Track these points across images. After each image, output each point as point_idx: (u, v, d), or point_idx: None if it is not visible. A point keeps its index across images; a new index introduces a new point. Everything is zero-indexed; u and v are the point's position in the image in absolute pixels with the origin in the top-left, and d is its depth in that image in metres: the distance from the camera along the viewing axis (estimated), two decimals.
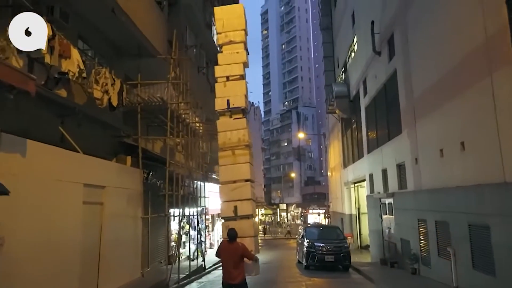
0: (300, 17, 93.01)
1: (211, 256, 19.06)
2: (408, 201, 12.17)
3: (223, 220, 8.17)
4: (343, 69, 25.41)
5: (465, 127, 8.24)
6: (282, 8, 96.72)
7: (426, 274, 10.84)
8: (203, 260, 14.82)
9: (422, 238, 11.09)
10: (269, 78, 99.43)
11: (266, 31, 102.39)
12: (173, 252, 14.97)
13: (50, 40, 6.56)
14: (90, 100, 8.85)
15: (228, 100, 8.40)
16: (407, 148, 12.07)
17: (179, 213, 12.22)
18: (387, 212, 14.82)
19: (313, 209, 55.84)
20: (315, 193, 65.12)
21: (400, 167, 13.24)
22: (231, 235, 6.16)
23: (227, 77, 8.58)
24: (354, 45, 21.09)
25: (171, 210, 12.96)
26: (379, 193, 15.74)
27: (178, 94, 11.55)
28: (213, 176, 21.06)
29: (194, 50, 16.07)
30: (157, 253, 13.38)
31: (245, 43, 8.87)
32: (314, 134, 71.23)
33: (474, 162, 7.93)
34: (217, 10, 9.27)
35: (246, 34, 9.05)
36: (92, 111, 8.97)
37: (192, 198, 13.66)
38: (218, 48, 9.23)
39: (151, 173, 12.15)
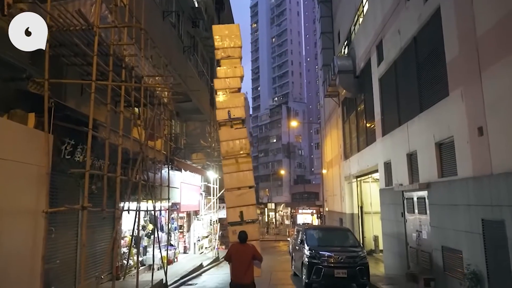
0: (291, 9, 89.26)
1: (182, 265, 15.01)
2: (459, 193, 8.32)
3: (229, 224, 8.61)
4: (345, 42, 21.60)
5: None
6: (273, 0, 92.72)
7: None
8: (165, 272, 10.74)
9: (490, 248, 7.23)
10: (258, 73, 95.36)
11: (255, 24, 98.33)
12: (123, 262, 10.94)
13: None
14: None
15: (229, 111, 8.96)
16: (460, 116, 8.23)
17: (119, 206, 8.19)
18: (416, 209, 10.98)
19: (303, 209, 52.13)
20: (305, 192, 61.47)
21: (442, 146, 9.40)
22: (242, 238, 6.57)
23: (226, 90, 9.29)
24: (363, 7, 17.28)
25: (122, 204, 8.95)
26: (401, 185, 11.90)
27: (117, 23, 7.47)
28: (188, 162, 17.01)
29: None
30: (93, 264, 9.30)
31: (241, 58, 9.77)
32: (306, 122, 67.42)
33: None
34: (215, 28, 10.26)
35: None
36: None
37: (149, 187, 9.61)
38: (216, 62, 9.91)
39: (81, 147, 8.04)
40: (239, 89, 9.45)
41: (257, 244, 7.64)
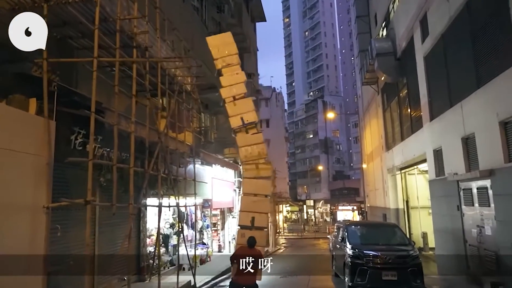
0: (323, 1, 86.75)
1: (215, 265, 14.24)
2: None
3: (239, 227, 9.04)
4: (383, 24, 20.00)
5: None
6: None
7: None
8: (193, 274, 9.95)
9: None
10: (292, 68, 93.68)
11: (288, 19, 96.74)
12: (149, 262, 10.26)
13: None
14: None
15: (242, 118, 9.20)
16: None
17: (133, 201, 7.44)
18: (476, 202, 9.50)
19: (343, 205, 50.31)
20: (345, 188, 59.36)
21: (508, 125, 7.92)
22: (250, 243, 6.91)
23: (234, 97, 9.46)
24: None
25: (145, 200, 8.26)
26: (456, 174, 10.42)
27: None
28: (219, 157, 16.22)
29: None
30: (115, 264, 8.63)
31: (239, 64, 9.95)
32: (343, 114, 65.04)
33: None
34: (209, 39, 10.26)
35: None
36: None
37: (170, 180, 8.84)
38: (217, 72, 9.97)
39: (94, 137, 7.32)
40: (245, 94, 9.70)
41: (263, 250, 8.10)
